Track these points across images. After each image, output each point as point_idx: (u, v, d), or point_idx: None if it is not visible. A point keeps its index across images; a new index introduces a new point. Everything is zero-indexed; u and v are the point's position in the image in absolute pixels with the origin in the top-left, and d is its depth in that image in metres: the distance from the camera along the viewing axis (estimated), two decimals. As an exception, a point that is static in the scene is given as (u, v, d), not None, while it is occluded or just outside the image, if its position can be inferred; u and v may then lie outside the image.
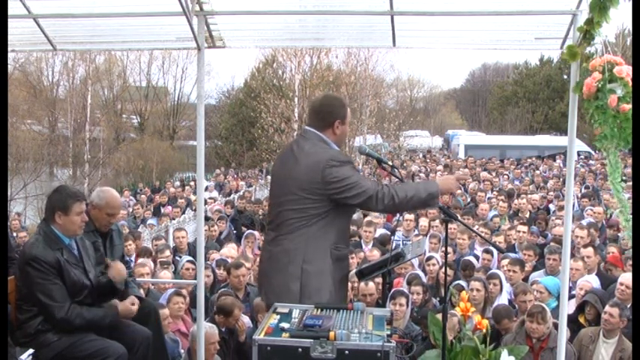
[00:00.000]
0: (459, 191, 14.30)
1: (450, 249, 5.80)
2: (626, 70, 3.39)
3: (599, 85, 3.42)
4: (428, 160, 25.00)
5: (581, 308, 5.86)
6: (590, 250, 6.88)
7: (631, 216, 3.51)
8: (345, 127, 3.88)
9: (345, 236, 3.92)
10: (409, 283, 6.46)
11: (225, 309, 5.45)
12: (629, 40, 26.51)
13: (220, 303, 5.55)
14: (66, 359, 3.75)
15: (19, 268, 3.82)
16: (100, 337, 3.79)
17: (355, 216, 10.00)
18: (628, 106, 3.34)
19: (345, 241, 3.89)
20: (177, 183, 19.71)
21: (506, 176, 17.76)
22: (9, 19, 3.82)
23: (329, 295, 3.71)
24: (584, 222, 9.61)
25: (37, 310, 3.74)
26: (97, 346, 3.74)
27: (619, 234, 9.24)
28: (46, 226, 3.85)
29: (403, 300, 5.72)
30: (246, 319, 5.94)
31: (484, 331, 3.71)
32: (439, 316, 4.09)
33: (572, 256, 6.59)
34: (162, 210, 14.21)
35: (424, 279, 6.89)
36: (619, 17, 3.61)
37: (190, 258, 7.35)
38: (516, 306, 6.11)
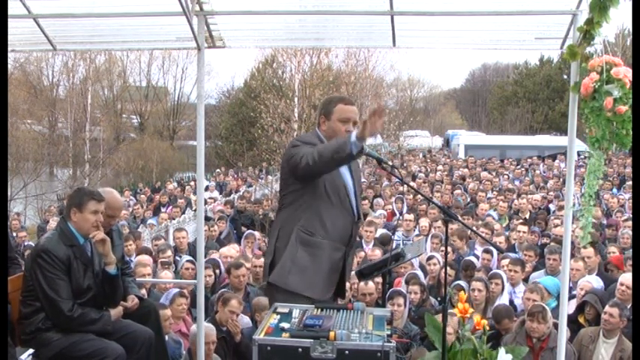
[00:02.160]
0: (458, 191, 14.33)
1: (449, 249, 5.82)
2: (623, 72, 3.39)
3: (596, 86, 3.42)
4: (428, 160, 24.99)
5: (580, 308, 5.87)
6: (590, 251, 6.87)
7: (590, 220, 3.56)
8: (332, 122, 3.91)
9: (324, 225, 3.80)
10: (407, 283, 6.47)
11: (224, 297, 5.52)
12: (629, 40, 26.50)
13: (223, 293, 5.66)
14: (65, 359, 3.76)
15: (29, 259, 3.85)
16: (98, 338, 3.81)
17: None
18: (624, 108, 3.34)
19: (322, 230, 3.79)
20: (175, 184, 19.58)
21: (506, 176, 17.77)
22: (9, 19, 3.82)
23: (284, 275, 3.73)
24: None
25: (39, 305, 3.76)
26: (95, 346, 3.75)
27: (618, 233, 9.25)
28: (63, 223, 3.91)
29: (401, 300, 5.72)
30: (246, 319, 5.95)
31: (483, 330, 3.72)
32: (437, 316, 4.10)
33: (572, 256, 6.59)
34: (163, 210, 14.20)
35: (424, 279, 6.89)
36: (619, 17, 3.61)
37: (190, 258, 7.35)
38: (517, 306, 6.11)
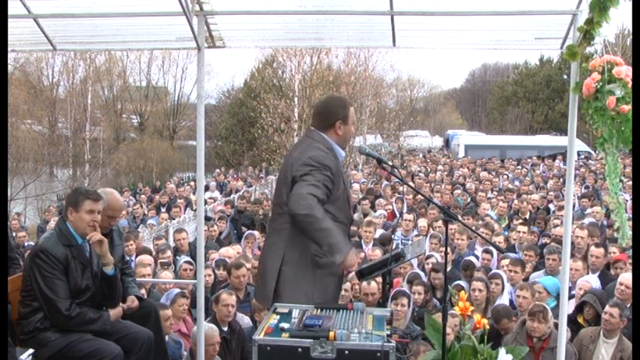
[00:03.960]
0: (458, 191, 14.33)
1: (449, 249, 5.82)
2: (625, 71, 3.39)
3: (598, 86, 3.42)
4: (428, 160, 25.01)
5: (579, 308, 5.87)
6: (600, 251, 6.85)
7: (627, 215, 3.53)
8: (349, 127, 3.89)
9: None
10: (410, 282, 6.47)
11: (215, 296, 5.60)
12: (629, 40, 26.50)
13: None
14: (63, 358, 3.76)
15: (28, 259, 3.85)
16: (95, 338, 3.81)
17: (355, 216, 10.01)
18: (627, 107, 3.33)
19: None
20: (172, 186, 19.46)
21: (506, 176, 17.77)
22: (9, 19, 3.82)
23: (308, 301, 3.65)
24: (585, 221, 9.61)
25: (37, 305, 3.76)
26: (93, 346, 3.75)
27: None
28: (61, 223, 3.91)
29: (405, 300, 5.71)
30: (246, 319, 5.95)
31: (483, 330, 3.72)
32: (436, 316, 4.10)
33: (572, 256, 6.58)
34: (162, 211, 14.17)
35: (424, 278, 6.89)
36: (619, 17, 3.61)
37: (188, 258, 7.35)
38: (516, 305, 6.12)
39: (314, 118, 3.99)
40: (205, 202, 11.42)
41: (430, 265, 7.11)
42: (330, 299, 3.80)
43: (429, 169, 20.56)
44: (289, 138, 17.77)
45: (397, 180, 4.01)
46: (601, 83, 3.41)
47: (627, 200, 12.22)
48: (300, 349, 2.94)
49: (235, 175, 22.43)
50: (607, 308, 5.29)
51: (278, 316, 3.33)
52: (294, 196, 3.57)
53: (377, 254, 7.04)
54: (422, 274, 7.01)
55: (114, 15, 4.39)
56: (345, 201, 3.90)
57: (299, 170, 3.67)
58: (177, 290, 5.80)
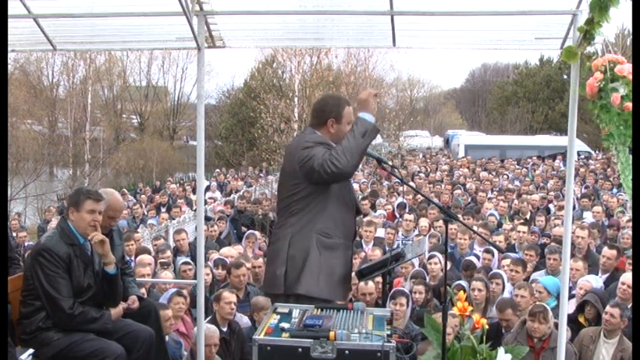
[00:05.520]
0: (458, 191, 14.33)
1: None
2: (627, 69, 3.37)
3: (601, 85, 3.41)
4: (428, 160, 25.00)
5: (580, 308, 5.87)
6: (613, 253, 6.85)
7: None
8: (342, 126, 3.83)
9: (338, 225, 3.79)
10: (414, 278, 6.47)
11: (215, 295, 5.63)
12: (629, 40, 26.50)
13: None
14: (65, 358, 3.76)
15: (30, 258, 3.85)
16: (98, 337, 3.81)
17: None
18: (632, 104, 3.31)
19: (337, 231, 3.78)
20: (174, 186, 19.45)
21: (506, 176, 17.77)
22: (9, 19, 3.82)
23: (314, 283, 3.65)
24: (585, 221, 9.61)
25: (40, 304, 3.76)
26: (95, 346, 3.75)
27: (619, 233, 9.26)
28: (63, 222, 3.93)
29: (404, 300, 5.72)
30: (245, 319, 5.95)
31: (482, 330, 3.72)
32: (436, 316, 4.10)
33: (573, 256, 6.58)
34: (162, 211, 14.17)
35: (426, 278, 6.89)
36: (619, 17, 3.60)
37: (186, 259, 7.34)
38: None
39: (310, 116, 4.03)
40: (205, 202, 11.41)
41: (432, 265, 7.11)
42: (338, 280, 3.75)
43: (429, 169, 20.56)
44: (289, 138, 17.74)
45: (397, 180, 4.00)
46: (604, 82, 3.39)
47: (627, 200, 12.24)
48: (300, 349, 2.94)
49: (235, 175, 22.41)
50: (608, 308, 5.29)
51: (278, 316, 3.33)
52: (308, 169, 3.64)
53: (377, 254, 7.04)
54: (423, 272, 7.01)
55: (114, 15, 4.39)
56: (348, 186, 3.91)
57: (301, 155, 3.70)
58: (174, 289, 5.80)
